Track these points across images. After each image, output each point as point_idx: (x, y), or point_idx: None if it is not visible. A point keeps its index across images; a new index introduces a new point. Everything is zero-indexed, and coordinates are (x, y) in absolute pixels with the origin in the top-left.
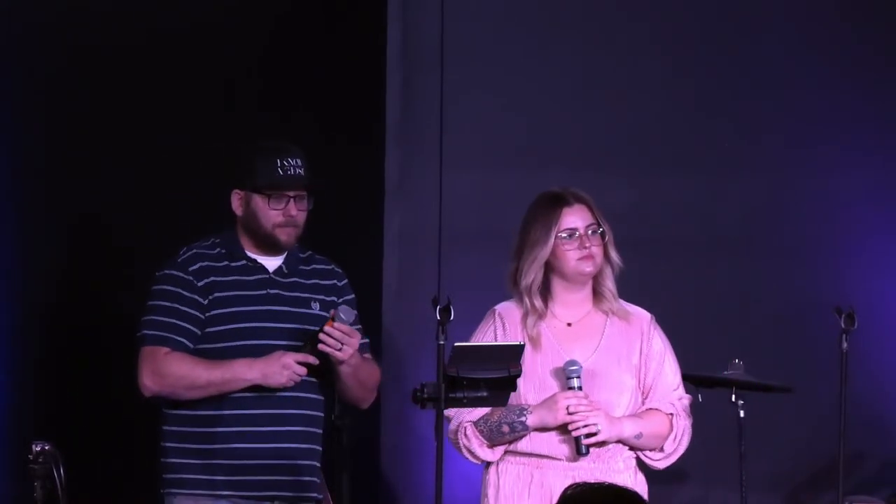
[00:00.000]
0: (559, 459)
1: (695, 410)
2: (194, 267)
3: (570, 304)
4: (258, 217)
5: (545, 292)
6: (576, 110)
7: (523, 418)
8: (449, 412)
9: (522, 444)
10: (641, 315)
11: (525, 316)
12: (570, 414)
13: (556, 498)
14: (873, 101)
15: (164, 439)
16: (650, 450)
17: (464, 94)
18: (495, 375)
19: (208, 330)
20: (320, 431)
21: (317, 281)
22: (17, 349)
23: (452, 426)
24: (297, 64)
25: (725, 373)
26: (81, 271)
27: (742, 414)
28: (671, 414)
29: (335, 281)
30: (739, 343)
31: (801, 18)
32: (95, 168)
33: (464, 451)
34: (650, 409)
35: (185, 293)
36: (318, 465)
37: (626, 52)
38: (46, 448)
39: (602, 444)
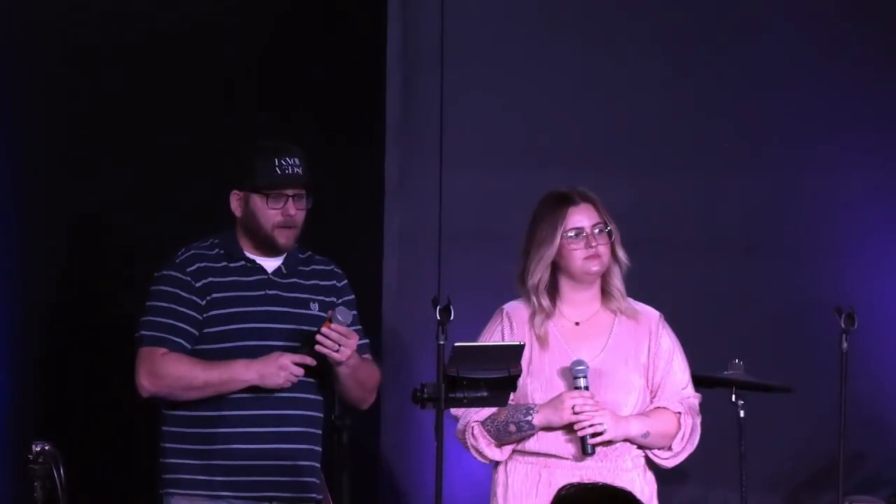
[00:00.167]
0: (566, 459)
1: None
2: (192, 268)
3: (578, 303)
4: (257, 217)
5: (553, 291)
6: (576, 110)
7: (529, 418)
8: (457, 412)
9: (530, 444)
10: (650, 314)
11: (533, 315)
12: (575, 413)
13: None
14: (873, 101)
15: (162, 440)
16: (658, 448)
17: (464, 94)
18: (495, 375)
19: (206, 331)
20: (319, 432)
21: (316, 282)
22: (17, 349)
23: (460, 426)
24: (297, 64)
25: (725, 373)
26: (81, 271)
27: (742, 414)
28: (679, 412)
29: (335, 281)
30: (739, 343)
31: (801, 18)
32: (95, 168)
33: (472, 450)
34: (658, 407)
35: (182, 294)
36: (317, 465)
37: (626, 52)
38: (46, 448)
39: (609, 443)
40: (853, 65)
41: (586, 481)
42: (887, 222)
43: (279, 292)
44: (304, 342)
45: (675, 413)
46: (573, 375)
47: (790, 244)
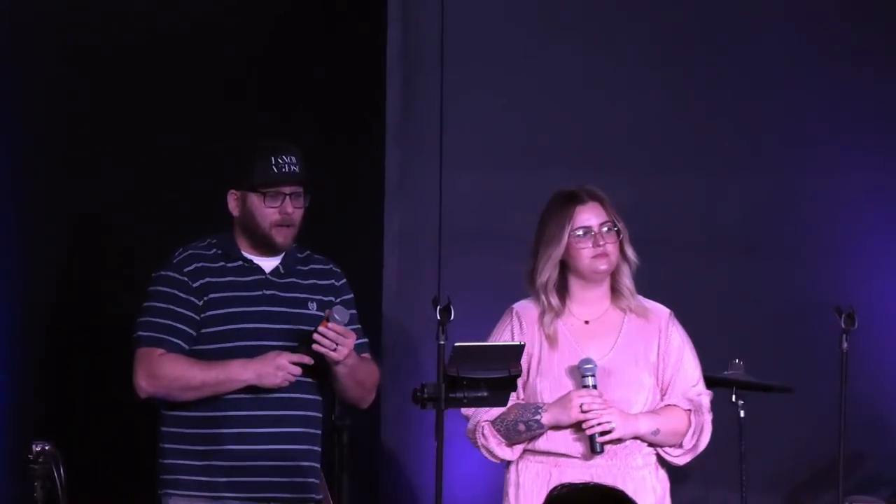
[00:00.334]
0: (576, 458)
1: None
2: (189, 268)
3: (588, 301)
4: (255, 216)
5: (563, 290)
6: (576, 110)
7: (538, 417)
8: (467, 412)
9: (540, 443)
10: (660, 311)
11: (542, 314)
12: (583, 412)
13: None
14: (873, 101)
15: (161, 440)
16: (669, 446)
17: (464, 94)
18: (495, 375)
19: (204, 331)
20: (319, 432)
21: (314, 281)
22: (17, 349)
23: (470, 426)
24: (297, 64)
25: (725, 373)
26: (81, 271)
27: (742, 414)
28: (689, 410)
29: (333, 281)
30: (739, 343)
31: (801, 18)
32: (95, 168)
33: (482, 450)
34: (668, 405)
35: (180, 294)
36: (317, 465)
37: (626, 52)
38: (46, 448)
39: (618, 441)
40: (853, 65)
41: (577, 481)
42: (887, 222)
43: (277, 292)
44: (302, 342)
45: (685, 410)
46: (581, 374)
47: (790, 244)
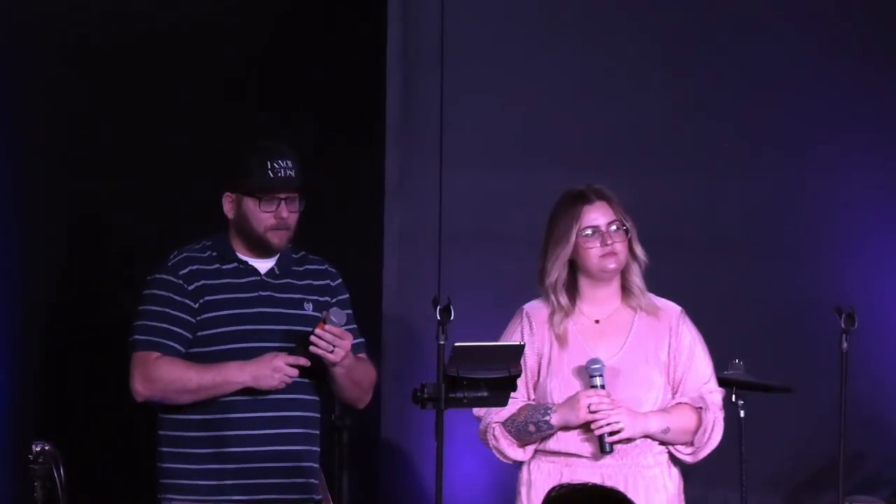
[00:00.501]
0: (586, 457)
1: None
2: (184, 271)
3: (598, 301)
4: (250, 220)
5: (573, 290)
6: (576, 110)
7: (548, 418)
8: (478, 412)
9: (551, 443)
10: (670, 309)
11: (552, 314)
12: (592, 413)
13: None
14: (873, 101)
15: (159, 444)
16: (680, 444)
17: (464, 94)
18: (495, 375)
19: (200, 334)
20: (317, 432)
21: (310, 281)
22: (17, 349)
23: (481, 427)
24: (297, 64)
25: (725, 373)
26: (81, 271)
27: (742, 414)
28: (700, 408)
29: (328, 281)
30: (739, 343)
31: (801, 18)
32: (95, 168)
33: (494, 451)
34: (679, 403)
35: (175, 297)
36: (316, 465)
37: (626, 52)
38: (46, 448)
39: (628, 440)
40: (853, 65)
41: (575, 482)
42: (887, 222)
43: (273, 293)
44: (299, 343)
45: (695, 408)
46: (589, 374)
47: (790, 244)
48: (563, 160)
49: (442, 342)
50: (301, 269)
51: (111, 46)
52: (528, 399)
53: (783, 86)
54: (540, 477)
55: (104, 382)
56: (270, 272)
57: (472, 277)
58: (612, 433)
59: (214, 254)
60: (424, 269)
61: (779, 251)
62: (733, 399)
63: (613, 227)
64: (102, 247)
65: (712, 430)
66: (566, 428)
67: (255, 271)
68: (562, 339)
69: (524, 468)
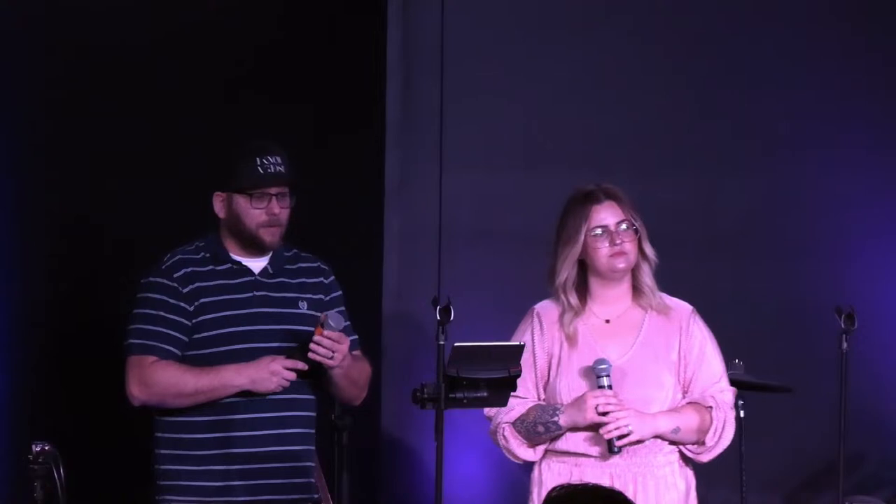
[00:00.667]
0: (596, 457)
1: None
2: (179, 273)
3: (608, 300)
4: (241, 218)
5: (584, 290)
6: (576, 110)
7: (556, 418)
8: (489, 412)
9: (561, 443)
10: (681, 309)
11: (562, 314)
12: (600, 414)
13: None
14: (873, 101)
15: (157, 446)
16: (691, 444)
17: (464, 94)
18: (495, 375)
19: (196, 336)
20: (314, 431)
21: (303, 280)
22: (17, 349)
23: (491, 427)
24: (297, 64)
25: None
26: (81, 271)
27: (742, 414)
28: (710, 407)
29: (321, 278)
30: (739, 343)
31: (801, 19)
32: (96, 168)
33: (504, 451)
34: (688, 402)
35: (170, 300)
36: (313, 465)
37: (626, 53)
38: (46, 448)
39: (638, 441)
40: (853, 65)
41: (576, 482)
42: (887, 222)
43: (267, 293)
44: (297, 346)
45: (706, 408)
46: (595, 374)
47: (790, 244)
48: (563, 160)
49: (442, 342)
50: (294, 267)
51: (111, 46)
52: (539, 399)
53: (783, 86)
54: (550, 477)
55: (104, 382)
56: (264, 272)
57: (472, 277)
58: (622, 436)
59: (207, 255)
60: (424, 269)
61: (779, 251)
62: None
63: (623, 227)
64: (103, 246)
65: (723, 428)
66: (575, 428)
67: (248, 271)
68: (571, 339)
69: (535, 468)
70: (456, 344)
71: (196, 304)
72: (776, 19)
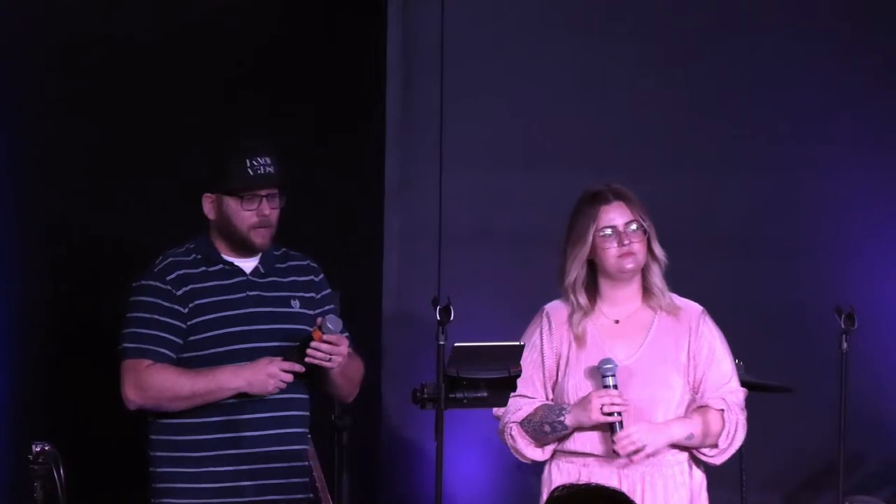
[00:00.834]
0: (604, 457)
1: None
2: (172, 276)
3: (618, 301)
4: (232, 220)
5: (593, 290)
6: (576, 110)
7: (562, 418)
8: (497, 412)
9: (570, 443)
10: (691, 309)
11: (571, 314)
12: (604, 414)
13: None
14: (873, 101)
15: (151, 448)
16: (705, 448)
17: (464, 94)
18: (495, 375)
19: (192, 338)
20: (307, 430)
21: (294, 278)
22: (17, 349)
23: (500, 427)
24: (297, 63)
25: None
26: (82, 271)
27: None
28: (722, 409)
29: (312, 277)
30: (739, 343)
31: (801, 18)
32: (96, 167)
33: (512, 451)
34: (700, 406)
35: (164, 303)
36: (307, 464)
37: (626, 53)
38: (46, 448)
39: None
40: (853, 65)
41: (579, 482)
42: (887, 222)
43: (260, 293)
44: (294, 348)
45: (718, 410)
46: (601, 374)
47: (790, 244)
48: (563, 160)
49: (442, 342)
50: (284, 266)
51: (110, 45)
52: (547, 399)
53: (783, 86)
54: (560, 477)
55: (104, 383)
56: (255, 271)
57: (472, 277)
58: (636, 451)
59: (199, 256)
60: (424, 269)
61: (779, 251)
62: None
63: (632, 227)
64: (103, 246)
65: (735, 430)
66: (582, 428)
67: (240, 272)
68: (580, 339)
69: (545, 468)
70: (456, 344)
71: (191, 305)
72: (776, 19)
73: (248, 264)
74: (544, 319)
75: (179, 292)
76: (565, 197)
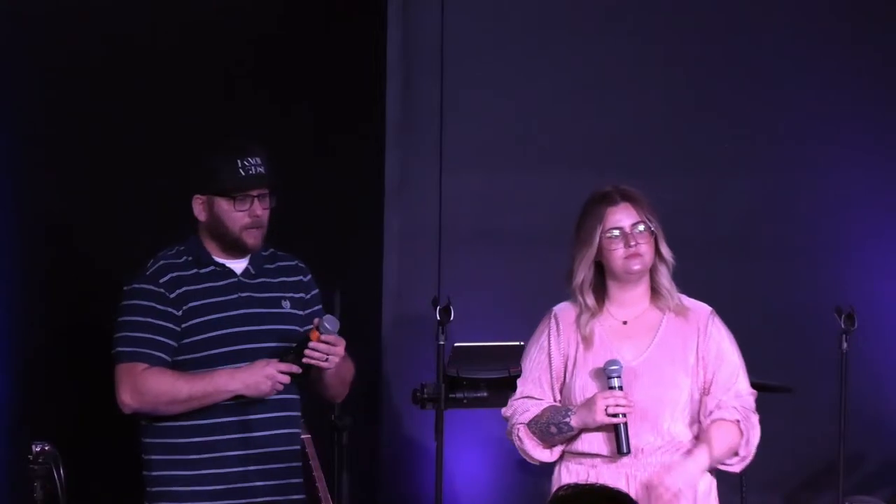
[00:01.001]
0: (611, 458)
1: None
2: (165, 279)
3: (626, 302)
4: (224, 221)
5: (602, 291)
6: (576, 110)
7: (567, 419)
8: (505, 413)
9: (578, 445)
10: (699, 310)
11: (579, 315)
12: (609, 415)
13: None
14: (873, 100)
15: (146, 452)
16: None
17: (464, 95)
18: (495, 375)
19: (186, 341)
20: (300, 430)
21: (283, 279)
22: (17, 349)
23: (508, 428)
24: (297, 64)
25: None
26: (82, 271)
27: None
28: (737, 420)
29: (300, 277)
30: (739, 343)
31: (801, 18)
32: (96, 167)
33: (520, 452)
34: (715, 421)
35: (157, 306)
36: (300, 464)
37: (626, 53)
38: (46, 448)
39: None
40: (853, 64)
41: (583, 482)
42: (887, 222)
43: (252, 294)
44: (289, 349)
45: (734, 421)
46: (607, 375)
47: (790, 244)
48: (562, 160)
49: (442, 342)
50: (273, 266)
51: (109, 45)
52: (554, 401)
53: (783, 86)
54: (569, 478)
55: (104, 383)
56: (246, 272)
57: (472, 277)
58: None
59: (190, 258)
60: (424, 269)
61: (778, 251)
62: None
63: (638, 229)
64: (103, 246)
65: (752, 436)
66: (589, 429)
67: (231, 273)
68: (587, 341)
69: (555, 470)
70: (456, 344)
71: (184, 308)
72: (776, 19)
73: (238, 265)
74: (552, 321)
75: (173, 295)
76: (565, 197)
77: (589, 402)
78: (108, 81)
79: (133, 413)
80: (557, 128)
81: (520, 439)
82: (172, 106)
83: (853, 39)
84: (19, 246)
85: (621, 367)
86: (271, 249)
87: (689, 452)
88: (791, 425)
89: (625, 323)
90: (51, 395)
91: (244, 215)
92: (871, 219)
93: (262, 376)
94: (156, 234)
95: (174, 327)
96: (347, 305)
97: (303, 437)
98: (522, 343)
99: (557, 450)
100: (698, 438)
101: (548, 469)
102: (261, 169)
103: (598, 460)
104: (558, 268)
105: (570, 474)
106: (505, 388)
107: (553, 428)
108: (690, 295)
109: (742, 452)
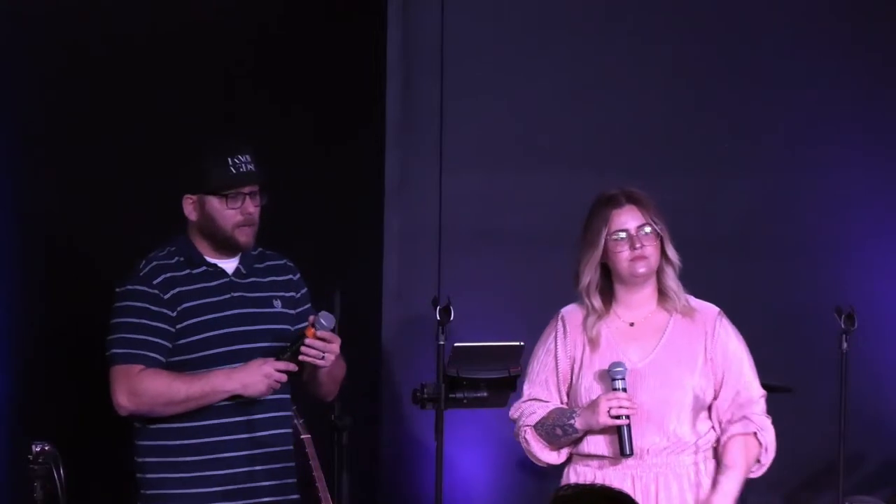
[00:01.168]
0: (617, 459)
1: None
2: (158, 280)
3: (633, 304)
4: (216, 219)
5: (609, 293)
6: (575, 110)
7: (572, 421)
8: (513, 414)
9: (585, 446)
10: (706, 311)
11: (586, 317)
12: (613, 417)
13: None
14: (873, 100)
15: (139, 454)
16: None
17: (464, 95)
18: (495, 375)
19: (181, 342)
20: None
21: (273, 278)
22: (17, 349)
23: (515, 430)
24: (296, 64)
25: None
26: (82, 271)
27: None
28: (754, 432)
29: (290, 276)
30: None
31: (801, 18)
32: (96, 166)
33: (527, 454)
34: (732, 437)
35: (151, 307)
36: (294, 464)
37: (626, 53)
38: (46, 448)
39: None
40: (852, 64)
41: (583, 482)
42: (887, 222)
43: (243, 293)
44: (284, 349)
45: (750, 434)
46: (611, 377)
47: (790, 244)
48: (562, 160)
49: (442, 342)
50: (263, 265)
51: (110, 45)
52: (561, 403)
53: (783, 86)
54: (577, 480)
55: (104, 383)
56: (237, 272)
57: (472, 277)
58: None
59: (182, 259)
60: (424, 269)
61: (779, 251)
62: None
63: (644, 231)
64: (103, 245)
65: (770, 443)
66: (594, 431)
67: (223, 273)
68: (594, 343)
69: (564, 472)
70: (456, 344)
71: (179, 309)
72: (776, 19)
73: (229, 265)
74: (559, 323)
75: (167, 296)
76: (565, 197)
77: (592, 404)
78: (108, 81)
79: (129, 415)
80: (557, 128)
81: (527, 441)
82: (172, 106)
83: (853, 39)
84: (19, 246)
85: (625, 368)
86: (260, 249)
87: (716, 484)
88: (791, 425)
89: (632, 325)
90: (51, 395)
91: (236, 213)
92: (871, 219)
93: (260, 375)
94: (156, 235)
95: (169, 328)
96: (347, 305)
97: (303, 437)
98: (522, 343)
99: (564, 452)
100: (722, 464)
101: (548, 470)
102: (251, 166)
103: (605, 461)
104: (558, 268)
105: (577, 476)
106: (505, 388)
107: (558, 430)
108: (691, 295)
109: (763, 460)
